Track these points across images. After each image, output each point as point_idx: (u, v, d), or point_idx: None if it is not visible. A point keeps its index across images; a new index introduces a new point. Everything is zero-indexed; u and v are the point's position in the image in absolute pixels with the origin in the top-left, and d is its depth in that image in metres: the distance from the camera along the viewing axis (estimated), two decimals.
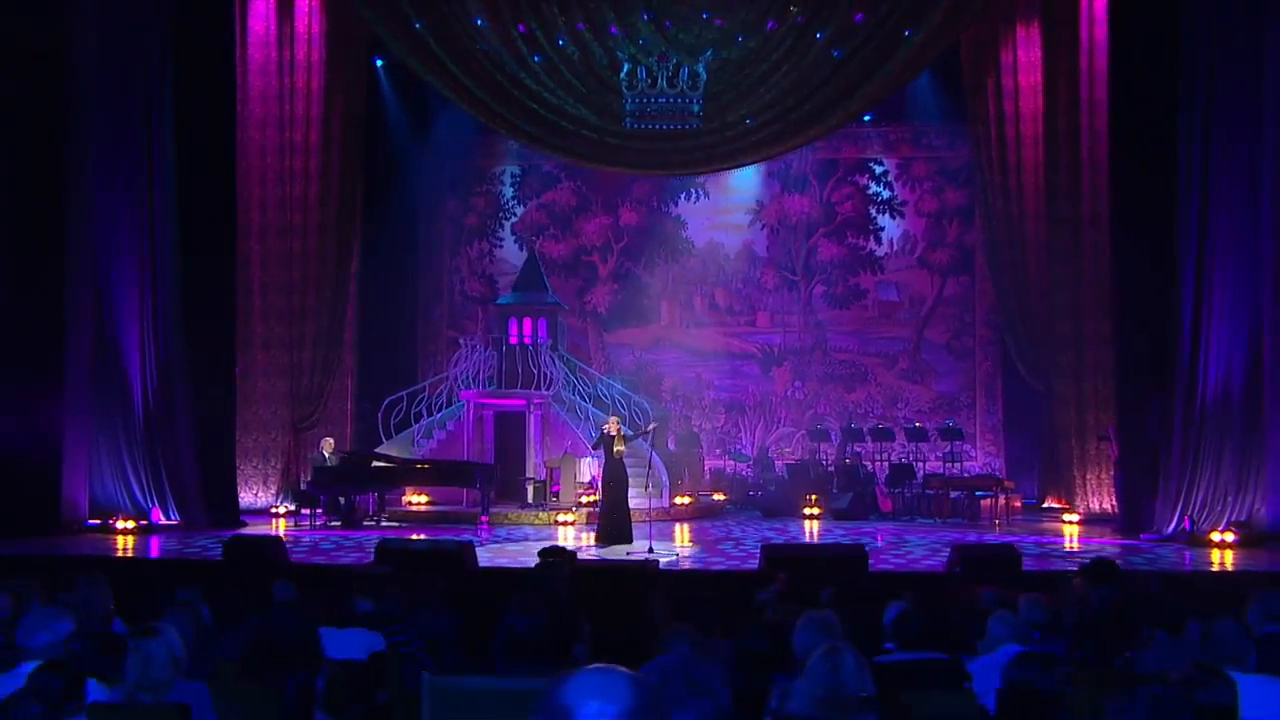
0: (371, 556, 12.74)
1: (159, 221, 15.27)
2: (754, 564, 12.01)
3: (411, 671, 7.38)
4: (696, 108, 15.23)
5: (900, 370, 20.84)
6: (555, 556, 7.70)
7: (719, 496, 18.67)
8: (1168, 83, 14.17)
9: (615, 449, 13.74)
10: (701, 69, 15.16)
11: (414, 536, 14.52)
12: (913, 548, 13.41)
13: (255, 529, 15.47)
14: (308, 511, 16.10)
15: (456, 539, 11.85)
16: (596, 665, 2.05)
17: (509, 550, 13.15)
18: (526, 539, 14.34)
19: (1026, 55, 17.25)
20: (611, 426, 13.87)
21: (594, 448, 14.36)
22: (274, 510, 16.84)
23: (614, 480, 13.78)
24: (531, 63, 15.33)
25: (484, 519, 15.35)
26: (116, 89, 14.98)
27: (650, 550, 12.38)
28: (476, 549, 11.39)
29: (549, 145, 15.91)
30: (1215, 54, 13.81)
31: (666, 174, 18.51)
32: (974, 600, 7.78)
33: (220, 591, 8.17)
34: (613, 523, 13.61)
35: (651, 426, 14.72)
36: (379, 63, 18.67)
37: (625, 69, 15.24)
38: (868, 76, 15.14)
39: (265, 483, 17.23)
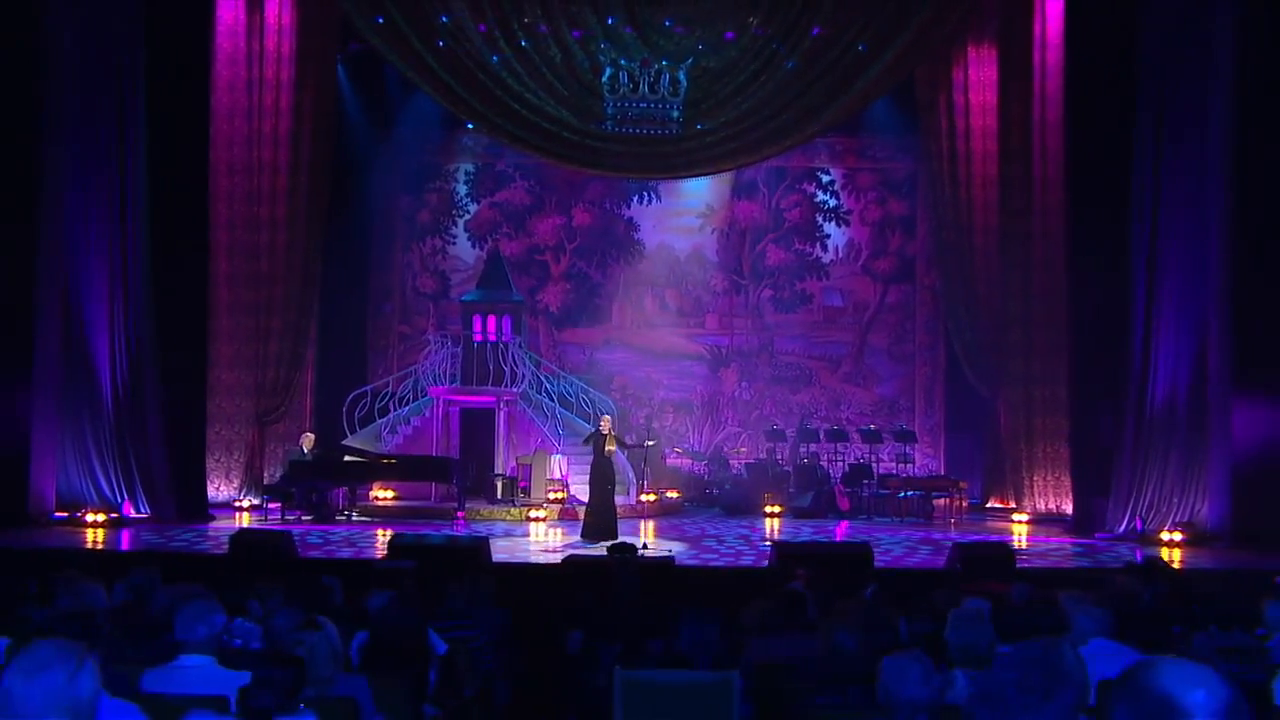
0: (358, 551, 12.91)
1: (130, 213, 15.14)
2: (748, 560, 12.51)
3: (479, 668, 7.62)
4: (676, 113, 15.63)
5: (843, 373, 21.50)
6: (624, 553, 7.99)
7: (673, 494, 19.06)
8: (1121, 105, 15.01)
9: (606, 448, 14.09)
10: (682, 76, 15.56)
11: (381, 532, 14.69)
12: (887, 546, 13.97)
13: (222, 522, 15.46)
14: (274, 506, 16.16)
15: (471, 534, 12.04)
16: (1177, 657, 2.13)
17: (501, 546, 13.33)
18: (508, 535, 14.59)
19: (978, 74, 18.00)
20: (605, 425, 14.21)
21: (585, 441, 14.63)
22: (238, 504, 16.77)
23: (601, 478, 14.09)
24: (515, 65, 15.53)
25: (460, 514, 15.52)
26: (88, 80, 14.81)
27: (644, 547, 12.69)
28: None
29: (530, 145, 16.12)
30: (1166, 81, 14.67)
31: (645, 178, 18.89)
32: (1004, 596, 8.31)
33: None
34: (599, 519, 13.91)
35: (649, 444, 15.06)
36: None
37: (607, 73, 15.57)
38: (842, 90, 15.71)
39: (228, 476, 17.11)
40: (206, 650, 5.47)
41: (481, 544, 11.11)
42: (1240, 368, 13.95)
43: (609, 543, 13.45)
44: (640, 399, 21.36)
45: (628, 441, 15.29)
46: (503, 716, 7.75)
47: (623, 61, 15.45)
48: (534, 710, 8.08)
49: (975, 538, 14.12)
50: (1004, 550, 11.13)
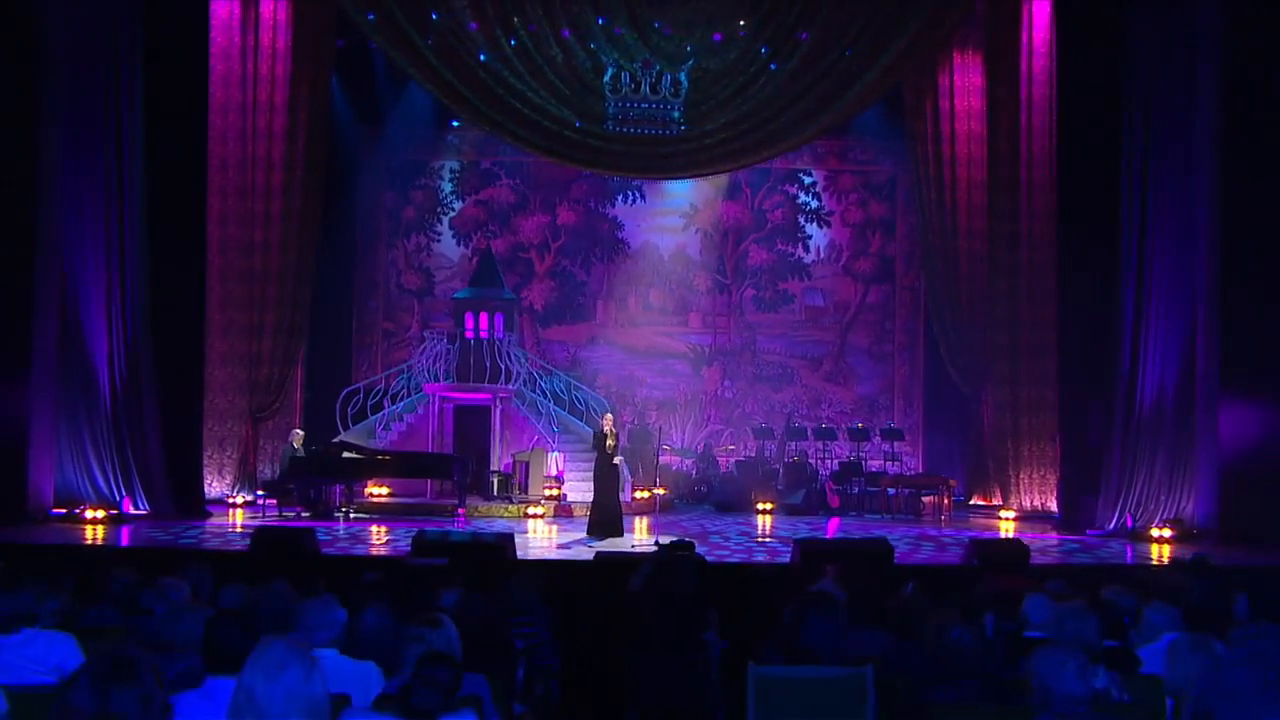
0: (366, 548, 12.94)
1: (127, 207, 15.03)
2: (760, 556, 12.71)
3: (543, 665, 7.72)
4: (677, 114, 15.80)
5: (824, 372, 21.83)
6: (682, 550, 8.14)
7: (660, 491, 19.19)
8: (1110, 111, 15.36)
9: (608, 445, 14.23)
10: (683, 77, 15.73)
11: (376, 528, 14.74)
12: (890, 543, 14.20)
13: (218, 519, 15.45)
14: (267, 502, 16.17)
15: (497, 531, 12.13)
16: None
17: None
18: (511, 531, 14.65)
19: (964, 80, 18.34)
20: (606, 423, 14.35)
21: (593, 446, 14.76)
22: (231, 500, 16.70)
23: (606, 475, 14.24)
24: (516, 64, 15.60)
25: (460, 511, 15.58)
26: (85, 75, 14.70)
27: (657, 544, 12.82)
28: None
29: (531, 144, 16.18)
30: (1154, 87, 15.03)
31: (647, 178, 19.12)
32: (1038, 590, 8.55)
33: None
34: (605, 516, 14.06)
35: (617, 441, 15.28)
36: None
37: (609, 73, 15.71)
38: (839, 95, 15.95)
39: (220, 472, 17.02)
40: (329, 648, 5.51)
41: (507, 541, 11.19)
42: (1227, 370, 14.37)
43: (616, 539, 13.75)
44: (624, 397, 21.51)
45: (618, 444, 15.40)
46: (559, 714, 7.85)
47: (607, 61, 15.56)
48: (589, 707, 8.17)
49: (972, 534, 14.39)
50: (1018, 546, 11.40)
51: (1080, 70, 16.07)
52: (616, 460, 14.30)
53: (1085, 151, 15.88)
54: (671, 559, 7.99)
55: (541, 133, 15.93)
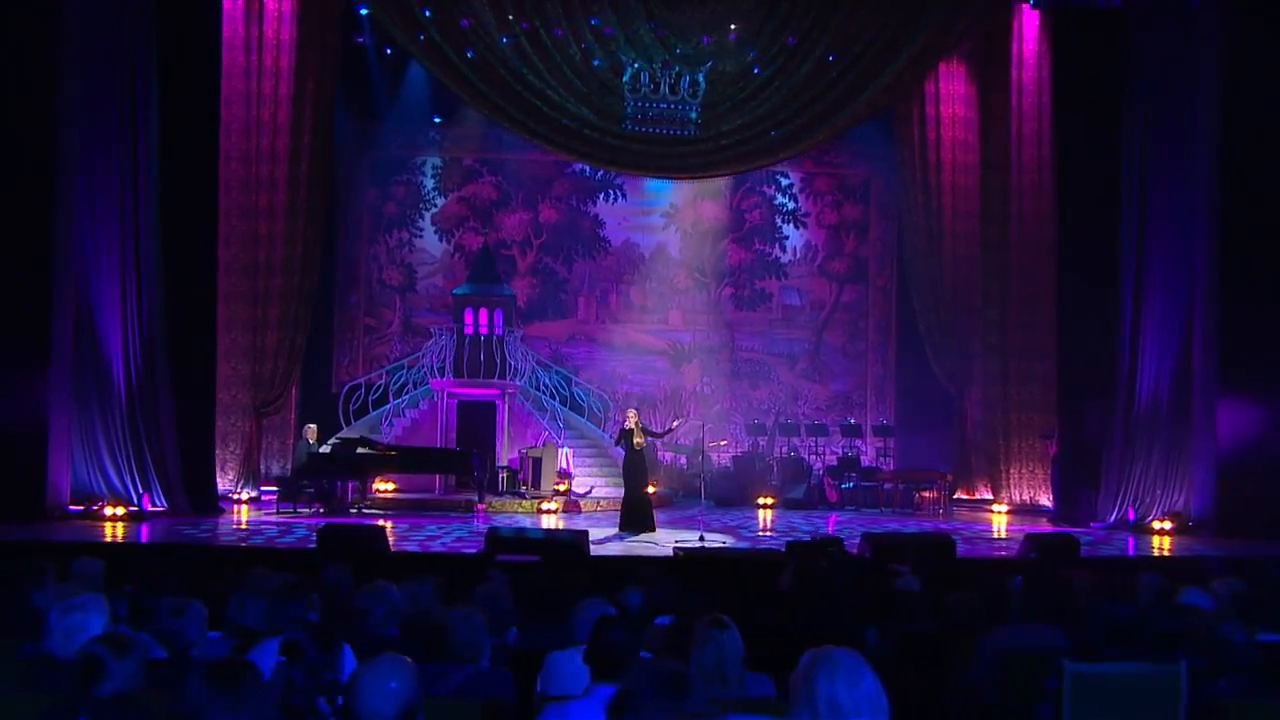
0: (423, 544, 12.92)
1: (141, 206, 14.75)
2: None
3: None
4: (694, 115, 16.05)
5: (800, 370, 22.28)
6: (834, 546, 8.37)
7: (655, 487, 19.37)
8: (1109, 111, 15.86)
9: (635, 441, 14.40)
10: (701, 78, 15.98)
11: (382, 522, 14.67)
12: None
13: (227, 516, 15.28)
14: (273, 498, 15.98)
15: (572, 528, 12.22)
16: None
17: None
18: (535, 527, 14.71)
19: (949, 88, 18.94)
20: (631, 419, 14.52)
21: (616, 442, 14.92)
22: (236, 497, 16.46)
23: (635, 471, 14.41)
24: (535, 61, 15.69)
25: (480, 507, 15.61)
26: (99, 73, 14.38)
27: (701, 539, 13.08)
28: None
29: (551, 142, 16.28)
30: (1154, 89, 15.58)
31: (661, 177, 19.26)
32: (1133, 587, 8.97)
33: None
34: (634, 512, 14.24)
35: (675, 424, 15.48)
36: None
37: (628, 73, 15.88)
38: (851, 100, 16.39)
39: (223, 468, 16.71)
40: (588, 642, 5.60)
41: (581, 536, 11.29)
42: (1224, 365, 15.00)
43: (649, 535, 13.93)
44: (605, 393, 21.64)
45: (653, 429, 15.65)
46: None
47: (626, 61, 15.74)
48: None
49: (979, 527, 14.95)
50: (1069, 540, 11.85)
51: (1077, 74, 16.51)
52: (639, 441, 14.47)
53: (1084, 152, 16.28)
54: (824, 556, 8.20)
55: (559, 130, 16.04)
